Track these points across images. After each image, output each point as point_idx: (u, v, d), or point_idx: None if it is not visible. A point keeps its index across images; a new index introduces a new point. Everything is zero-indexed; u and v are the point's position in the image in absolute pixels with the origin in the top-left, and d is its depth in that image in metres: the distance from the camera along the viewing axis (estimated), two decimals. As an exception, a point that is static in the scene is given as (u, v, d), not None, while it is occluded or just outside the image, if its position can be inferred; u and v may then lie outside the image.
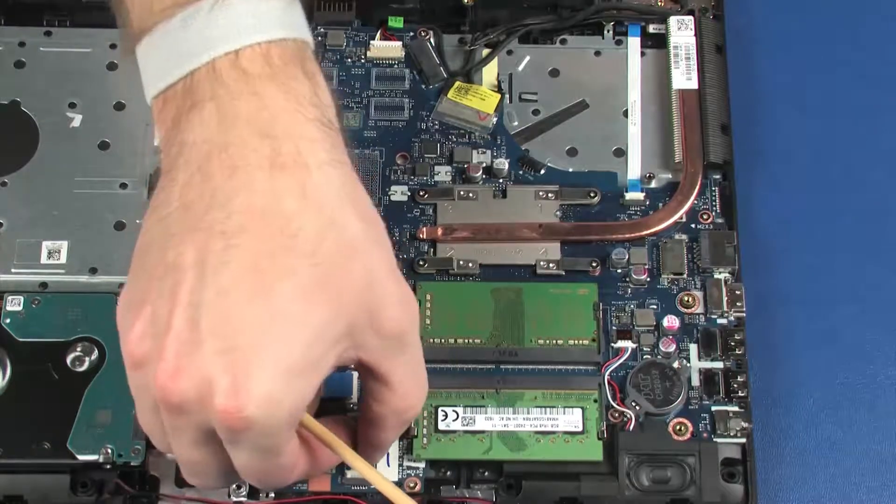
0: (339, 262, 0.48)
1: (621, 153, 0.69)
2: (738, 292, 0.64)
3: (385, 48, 0.71)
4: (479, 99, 0.69)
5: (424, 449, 0.61)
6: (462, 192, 0.67)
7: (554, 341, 0.63)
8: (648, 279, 0.65)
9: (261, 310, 0.47)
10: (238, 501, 0.60)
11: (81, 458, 0.60)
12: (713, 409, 0.62)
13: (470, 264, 0.65)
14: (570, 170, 0.68)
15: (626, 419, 0.62)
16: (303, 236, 0.48)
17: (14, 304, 0.63)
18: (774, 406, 0.65)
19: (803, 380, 0.66)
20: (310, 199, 0.48)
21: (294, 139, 0.49)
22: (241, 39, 0.49)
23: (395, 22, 0.71)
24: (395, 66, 0.71)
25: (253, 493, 0.60)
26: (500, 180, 0.68)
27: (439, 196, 0.67)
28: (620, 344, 0.64)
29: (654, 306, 0.65)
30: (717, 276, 0.65)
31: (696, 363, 0.63)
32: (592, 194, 0.67)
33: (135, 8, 0.51)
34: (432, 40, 0.71)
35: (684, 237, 0.66)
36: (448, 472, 0.62)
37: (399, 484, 0.61)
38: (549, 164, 0.68)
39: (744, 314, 0.64)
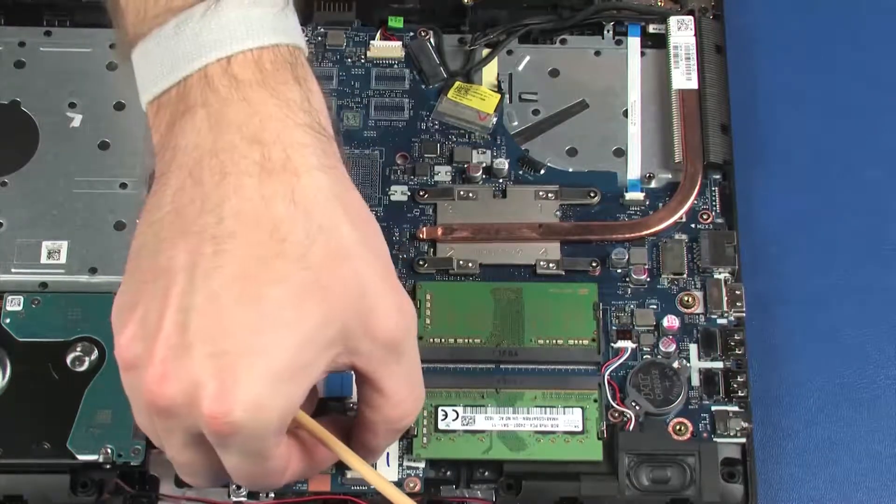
0: (330, 267, 0.48)
1: (621, 153, 0.69)
2: (737, 292, 0.64)
3: (385, 48, 0.71)
4: (479, 99, 0.69)
5: (424, 448, 0.61)
6: (462, 192, 0.67)
7: (554, 341, 0.63)
8: (648, 279, 0.65)
9: (250, 314, 0.47)
10: (238, 501, 0.60)
11: (81, 458, 0.60)
12: (713, 408, 0.62)
13: (470, 264, 0.65)
14: (570, 170, 0.68)
15: (626, 419, 0.62)
16: (292, 241, 0.48)
17: (14, 304, 0.63)
18: (774, 406, 0.65)
19: (803, 380, 0.66)
20: (299, 204, 0.48)
21: (284, 145, 0.49)
22: (233, 46, 0.50)
23: (395, 22, 0.71)
24: (395, 66, 0.71)
25: (253, 492, 0.60)
26: (500, 180, 0.68)
27: (439, 196, 0.67)
28: (620, 344, 0.64)
29: (654, 306, 0.65)
30: (716, 276, 0.65)
31: (696, 363, 0.63)
32: (592, 194, 0.67)
33: (129, 14, 0.51)
34: (432, 40, 0.71)
35: (684, 237, 0.66)
36: (448, 472, 0.62)
37: (399, 484, 0.61)
38: (548, 164, 0.68)
39: (744, 314, 0.64)
